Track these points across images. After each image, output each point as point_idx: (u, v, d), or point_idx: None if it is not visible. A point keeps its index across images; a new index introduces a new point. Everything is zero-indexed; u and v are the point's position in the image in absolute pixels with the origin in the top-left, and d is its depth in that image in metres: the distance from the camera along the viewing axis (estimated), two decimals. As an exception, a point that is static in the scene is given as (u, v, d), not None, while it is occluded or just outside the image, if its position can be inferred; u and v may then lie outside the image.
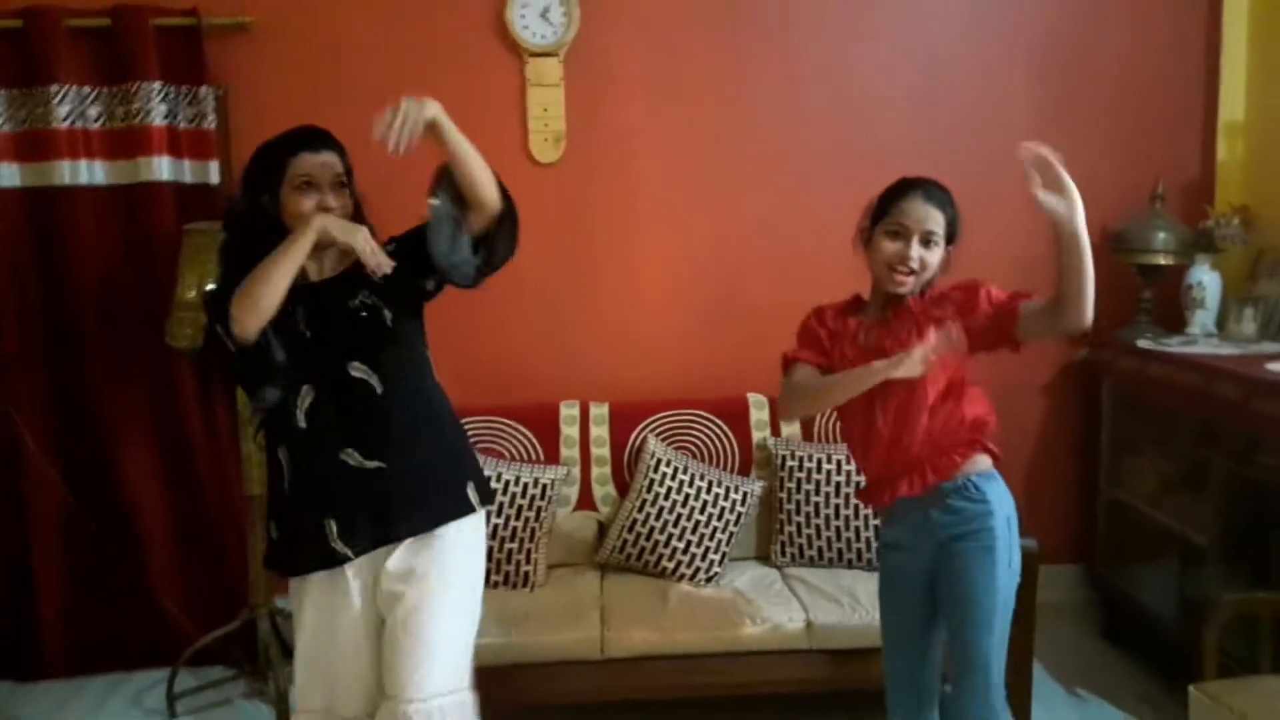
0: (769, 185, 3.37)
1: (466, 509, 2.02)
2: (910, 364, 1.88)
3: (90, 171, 3.09)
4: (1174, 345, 3.05)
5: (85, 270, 3.12)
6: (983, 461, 2.03)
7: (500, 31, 3.23)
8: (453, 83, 3.20)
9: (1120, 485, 3.28)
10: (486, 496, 2.09)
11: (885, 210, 2.04)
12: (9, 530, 3.21)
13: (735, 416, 3.18)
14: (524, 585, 2.87)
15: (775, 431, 3.15)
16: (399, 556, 1.96)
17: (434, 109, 1.83)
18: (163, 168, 3.08)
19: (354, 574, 1.97)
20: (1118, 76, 3.40)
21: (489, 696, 2.10)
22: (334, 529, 1.93)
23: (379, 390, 1.95)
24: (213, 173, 3.12)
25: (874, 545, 2.88)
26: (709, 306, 3.41)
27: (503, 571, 2.84)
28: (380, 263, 1.88)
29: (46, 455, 3.17)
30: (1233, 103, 3.33)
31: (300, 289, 1.94)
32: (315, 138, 1.98)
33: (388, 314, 1.98)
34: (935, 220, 1.99)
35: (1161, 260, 3.18)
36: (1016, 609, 2.64)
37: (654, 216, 3.37)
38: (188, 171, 3.12)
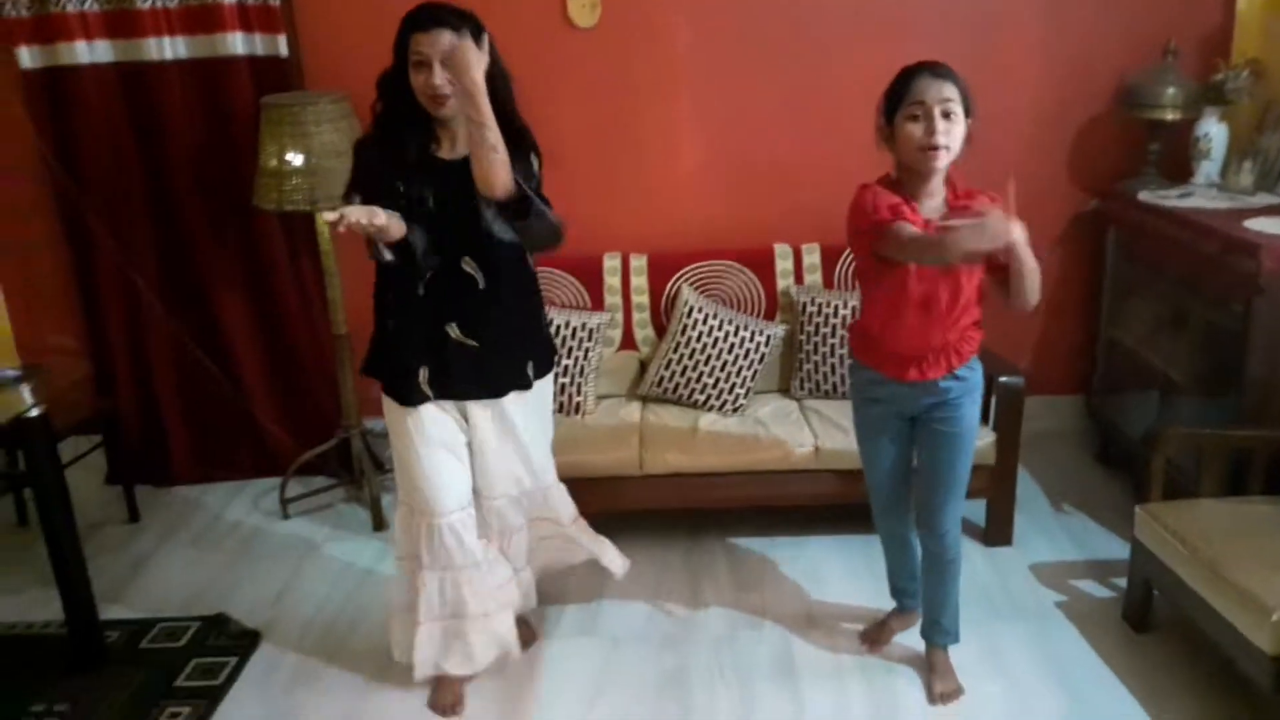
0: (795, 49, 3.43)
1: (525, 383, 2.33)
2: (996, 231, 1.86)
3: (174, 47, 3.30)
4: (1172, 197, 3.14)
5: (176, 139, 3.38)
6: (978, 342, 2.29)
7: (539, -104, 3.29)
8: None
9: (1118, 326, 3.47)
10: (543, 370, 2.39)
11: (899, 98, 2.05)
12: (137, 364, 3.66)
13: (762, 266, 3.42)
14: (576, 413, 3.26)
15: (798, 279, 3.40)
16: (483, 400, 2.32)
17: (479, 72, 1.93)
18: (237, 42, 3.29)
19: (447, 407, 2.31)
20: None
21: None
22: (424, 375, 2.25)
23: (481, 285, 2.20)
24: (282, 46, 3.31)
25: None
26: (738, 163, 3.55)
27: (557, 402, 3.18)
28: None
29: (161, 303, 3.55)
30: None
31: (432, 164, 2.13)
32: (427, 16, 2.04)
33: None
34: (950, 90, 2.01)
35: (1169, 115, 3.21)
36: (1002, 436, 3.02)
37: (686, 78, 3.48)
38: (259, 45, 3.32)
